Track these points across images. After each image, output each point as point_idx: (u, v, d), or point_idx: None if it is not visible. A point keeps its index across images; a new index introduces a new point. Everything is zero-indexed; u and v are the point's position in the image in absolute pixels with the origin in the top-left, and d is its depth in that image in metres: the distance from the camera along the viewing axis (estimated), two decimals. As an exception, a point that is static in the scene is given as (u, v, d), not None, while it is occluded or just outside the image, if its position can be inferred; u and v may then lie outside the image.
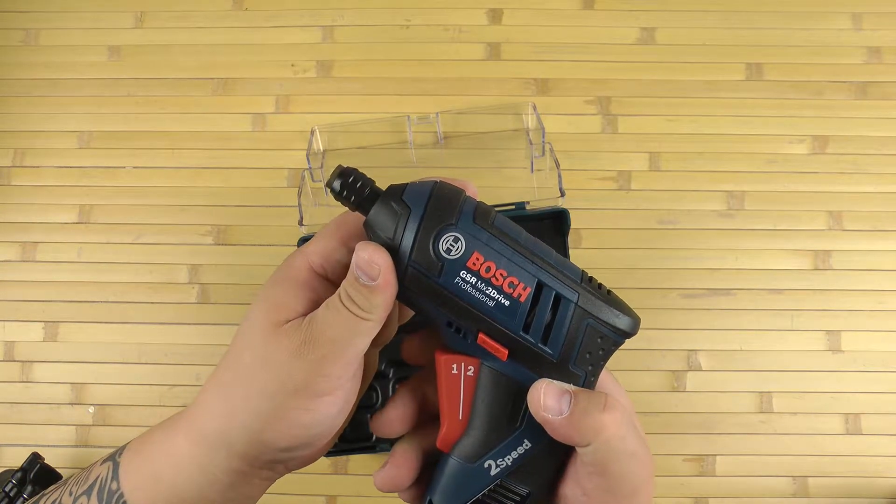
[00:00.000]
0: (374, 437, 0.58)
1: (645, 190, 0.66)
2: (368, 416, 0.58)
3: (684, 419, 0.62)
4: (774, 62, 0.68)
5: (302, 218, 0.59)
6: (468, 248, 0.30)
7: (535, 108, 0.62)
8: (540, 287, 0.30)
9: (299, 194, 0.60)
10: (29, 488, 0.57)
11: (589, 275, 0.32)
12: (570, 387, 0.30)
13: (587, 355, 0.31)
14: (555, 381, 0.30)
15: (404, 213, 0.30)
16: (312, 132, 0.64)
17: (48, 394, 0.63)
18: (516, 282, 0.30)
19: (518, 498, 0.33)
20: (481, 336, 0.31)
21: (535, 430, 0.31)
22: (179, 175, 0.67)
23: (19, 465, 0.58)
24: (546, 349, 0.31)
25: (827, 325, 0.63)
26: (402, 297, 0.31)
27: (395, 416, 0.34)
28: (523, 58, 0.67)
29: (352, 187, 0.31)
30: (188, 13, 0.70)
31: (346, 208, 0.33)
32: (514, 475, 0.32)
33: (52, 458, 0.60)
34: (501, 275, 0.30)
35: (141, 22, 0.70)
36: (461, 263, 0.30)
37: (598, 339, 0.31)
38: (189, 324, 0.64)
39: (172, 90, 0.68)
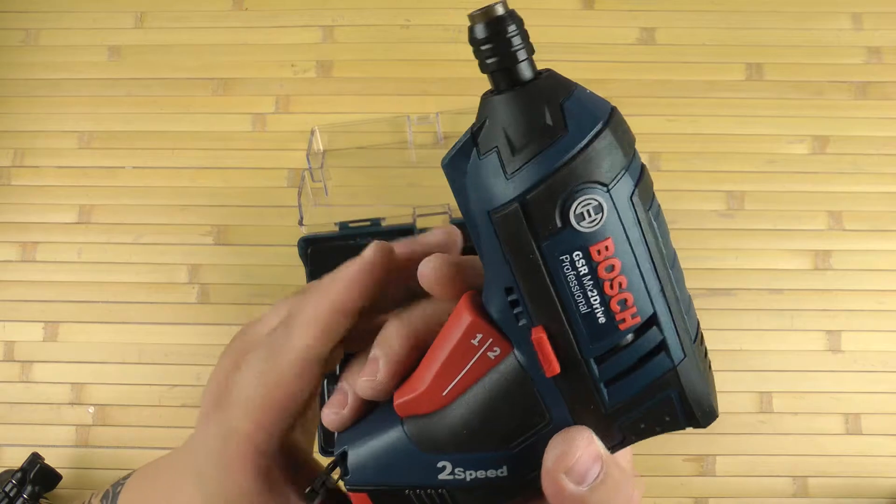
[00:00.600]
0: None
1: (645, 190, 0.66)
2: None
3: (684, 419, 0.62)
4: (774, 62, 0.68)
5: (302, 218, 0.59)
6: (605, 227, 0.21)
7: (535, 108, 0.62)
8: (650, 323, 0.22)
9: (299, 194, 0.60)
10: (29, 488, 0.57)
11: (701, 332, 0.24)
12: (606, 453, 0.23)
13: (641, 425, 0.23)
14: (596, 439, 0.23)
15: (554, 131, 0.21)
16: (312, 132, 0.64)
17: (48, 394, 0.63)
18: (630, 302, 0.21)
19: None
20: (540, 333, 0.22)
21: (524, 463, 0.24)
22: (179, 175, 0.67)
23: (19, 465, 0.58)
24: (604, 393, 0.23)
25: (827, 325, 0.63)
26: (475, 224, 0.23)
27: (388, 370, 0.26)
28: (523, 58, 0.67)
29: (503, 45, 0.21)
30: (188, 13, 0.70)
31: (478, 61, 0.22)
32: (461, 492, 0.25)
33: (52, 458, 0.60)
34: (619, 284, 0.21)
35: (141, 22, 0.70)
36: (584, 242, 0.21)
37: (666, 417, 0.23)
38: (189, 324, 0.64)
39: (172, 90, 0.68)
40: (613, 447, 0.24)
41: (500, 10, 0.21)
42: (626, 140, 0.22)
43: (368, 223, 0.58)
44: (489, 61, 0.22)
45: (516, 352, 0.23)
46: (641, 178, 0.22)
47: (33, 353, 0.64)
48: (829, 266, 0.64)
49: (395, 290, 0.29)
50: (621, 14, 0.69)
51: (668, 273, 0.22)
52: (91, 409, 0.63)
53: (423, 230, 0.58)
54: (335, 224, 0.59)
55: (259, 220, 0.66)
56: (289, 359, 0.27)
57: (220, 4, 0.70)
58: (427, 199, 0.62)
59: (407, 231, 0.58)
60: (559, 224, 0.21)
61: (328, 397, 0.28)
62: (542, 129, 0.21)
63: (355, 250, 0.62)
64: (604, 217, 0.21)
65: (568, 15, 0.69)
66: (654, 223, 0.22)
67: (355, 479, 0.26)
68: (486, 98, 0.22)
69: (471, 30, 0.22)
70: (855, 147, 0.66)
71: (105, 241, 0.66)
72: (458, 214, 0.58)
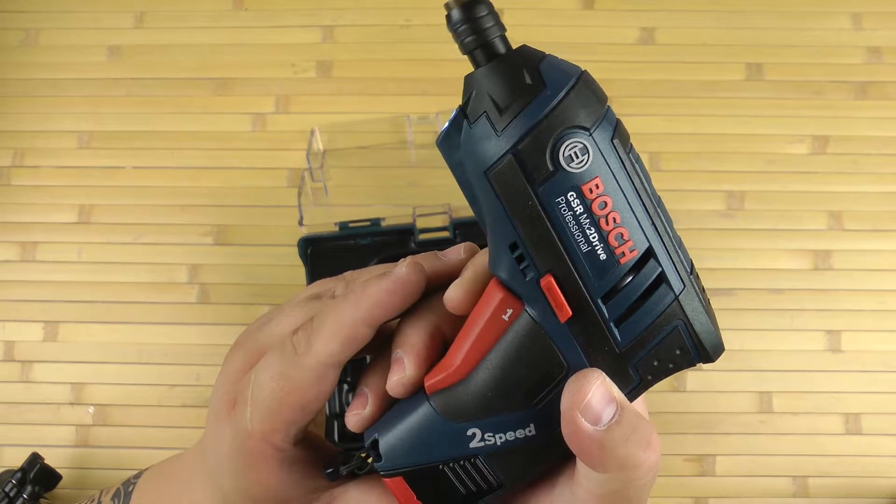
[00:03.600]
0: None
1: (645, 190, 0.65)
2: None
3: (684, 419, 0.62)
4: (774, 62, 0.68)
5: (302, 218, 0.59)
6: (592, 167, 0.23)
7: (535, 108, 0.62)
8: (648, 256, 0.24)
9: (299, 194, 0.60)
10: (29, 488, 0.57)
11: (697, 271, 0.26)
12: (621, 395, 0.24)
13: (654, 362, 0.25)
14: (609, 380, 0.24)
15: (534, 88, 0.23)
16: (312, 132, 0.64)
17: (48, 394, 0.63)
18: (626, 236, 0.23)
19: (485, 486, 0.26)
20: (548, 280, 0.24)
21: (551, 419, 0.25)
22: (179, 175, 0.67)
23: (19, 465, 0.58)
24: (616, 333, 0.24)
25: (827, 325, 0.63)
26: (475, 191, 0.24)
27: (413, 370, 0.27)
28: (523, 58, 0.67)
29: (477, 24, 0.24)
30: (188, 13, 0.70)
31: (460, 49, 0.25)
32: (494, 458, 0.26)
33: (52, 458, 0.60)
34: (614, 219, 0.23)
35: (141, 22, 0.70)
36: (576, 182, 0.23)
37: (677, 350, 0.25)
38: (189, 324, 0.64)
39: (172, 90, 0.68)
40: (632, 392, 0.25)
41: None
42: (599, 93, 0.24)
43: (368, 223, 0.58)
44: (468, 40, 0.24)
45: (528, 308, 0.25)
46: (618, 127, 0.24)
47: (33, 353, 0.64)
48: (829, 266, 0.64)
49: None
50: (621, 14, 0.69)
51: (656, 210, 0.24)
52: (91, 409, 0.63)
53: (423, 230, 0.58)
54: (335, 224, 0.59)
55: (259, 220, 0.66)
56: (310, 364, 0.27)
57: (220, 4, 0.70)
58: (427, 199, 0.62)
59: (406, 231, 0.58)
60: (550, 168, 0.23)
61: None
62: (523, 87, 0.23)
63: (355, 250, 0.62)
64: (590, 158, 0.23)
65: (568, 15, 0.69)
66: (637, 165, 0.24)
67: (389, 463, 0.26)
68: (468, 76, 0.25)
69: (448, 16, 0.24)
70: (855, 147, 0.66)
71: (105, 241, 0.66)
72: (458, 214, 0.58)
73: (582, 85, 0.23)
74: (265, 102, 0.68)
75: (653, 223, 0.24)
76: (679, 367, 0.25)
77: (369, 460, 0.28)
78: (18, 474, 0.57)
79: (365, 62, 0.68)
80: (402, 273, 0.27)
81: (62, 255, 0.65)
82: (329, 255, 0.58)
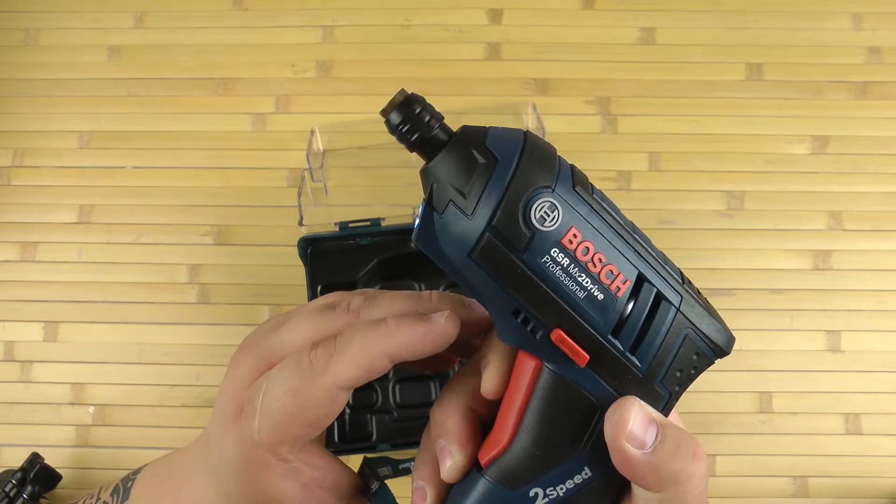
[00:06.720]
0: (373, 437, 0.58)
1: (645, 190, 0.66)
2: (368, 415, 0.58)
3: (684, 419, 0.62)
4: (774, 62, 0.68)
5: (302, 218, 0.59)
6: (565, 220, 0.24)
7: (535, 108, 0.62)
8: (640, 282, 0.25)
9: (299, 194, 0.60)
10: (29, 488, 0.57)
11: (686, 276, 0.27)
12: (659, 415, 0.26)
13: (677, 373, 0.26)
14: (645, 404, 0.25)
15: (488, 164, 0.24)
16: (312, 132, 0.64)
17: (48, 394, 0.63)
18: (615, 271, 0.24)
19: None
20: (558, 333, 0.24)
21: (601, 456, 0.26)
22: (179, 175, 0.67)
23: (19, 465, 0.58)
24: (634, 360, 0.25)
25: (827, 325, 0.63)
26: (463, 274, 0.25)
27: (456, 449, 0.28)
28: (523, 58, 0.67)
29: (416, 121, 0.25)
30: (188, 13, 0.70)
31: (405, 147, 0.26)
32: None
33: (52, 458, 0.60)
34: (599, 260, 0.24)
35: (141, 22, 0.70)
36: (555, 238, 0.24)
37: (694, 356, 0.26)
38: (189, 324, 0.64)
39: (172, 90, 0.68)
40: (665, 407, 0.27)
41: (401, 98, 0.25)
42: (546, 148, 0.25)
43: (368, 223, 0.58)
44: (412, 138, 0.25)
45: (546, 363, 0.26)
46: (575, 173, 0.25)
47: (33, 353, 0.64)
48: (829, 266, 0.64)
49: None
50: (621, 14, 0.69)
51: (633, 237, 0.25)
52: (91, 409, 0.63)
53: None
54: (335, 224, 0.59)
55: (259, 220, 0.66)
56: (325, 384, 0.27)
57: (220, 4, 0.70)
58: (427, 199, 0.62)
59: (406, 231, 0.58)
60: (528, 233, 0.24)
61: None
62: (478, 167, 0.24)
63: (355, 250, 0.63)
64: (560, 212, 0.24)
65: (568, 15, 0.69)
66: (603, 203, 0.25)
67: None
68: (424, 170, 0.26)
69: (387, 122, 0.25)
70: (855, 147, 0.66)
71: (105, 241, 0.66)
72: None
73: (530, 147, 0.24)
74: (265, 102, 0.68)
75: (635, 250, 0.25)
76: (701, 370, 0.27)
77: None
78: (18, 474, 0.57)
79: (365, 62, 0.68)
80: (441, 325, 0.28)
81: (62, 255, 0.65)
82: (329, 255, 0.58)
